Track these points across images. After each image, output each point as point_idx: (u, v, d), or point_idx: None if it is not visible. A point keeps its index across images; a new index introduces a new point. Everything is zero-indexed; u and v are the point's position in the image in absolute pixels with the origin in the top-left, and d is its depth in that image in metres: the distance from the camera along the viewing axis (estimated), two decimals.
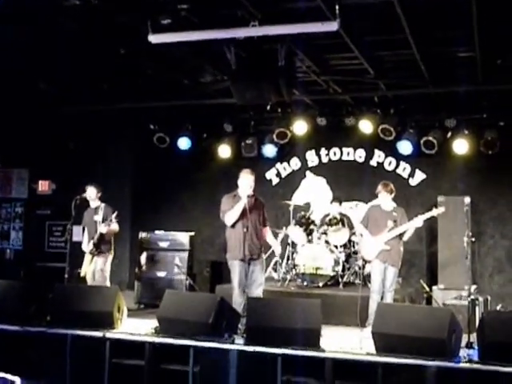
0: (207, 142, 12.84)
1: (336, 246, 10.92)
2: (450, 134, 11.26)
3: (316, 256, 10.71)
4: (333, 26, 7.01)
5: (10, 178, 13.58)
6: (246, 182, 8.23)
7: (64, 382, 7.13)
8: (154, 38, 7.52)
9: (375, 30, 8.27)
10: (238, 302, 8.05)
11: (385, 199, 8.83)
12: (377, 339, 6.59)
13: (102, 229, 9.41)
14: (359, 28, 8.01)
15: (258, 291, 8.16)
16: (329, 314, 8.40)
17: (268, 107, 11.48)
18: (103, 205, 9.69)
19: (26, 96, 11.06)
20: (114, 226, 9.54)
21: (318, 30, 7.15)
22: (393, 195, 8.85)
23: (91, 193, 9.68)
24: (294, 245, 11.31)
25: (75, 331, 7.29)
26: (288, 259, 11.28)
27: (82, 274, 9.56)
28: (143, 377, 6.97)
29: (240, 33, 7.46)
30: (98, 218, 9.53)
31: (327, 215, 11.42)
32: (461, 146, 11.11)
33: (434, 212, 8.76)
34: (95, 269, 9.54)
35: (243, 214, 8.12)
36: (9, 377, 3.40)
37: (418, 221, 8.62)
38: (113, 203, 9.83)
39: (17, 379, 3.41)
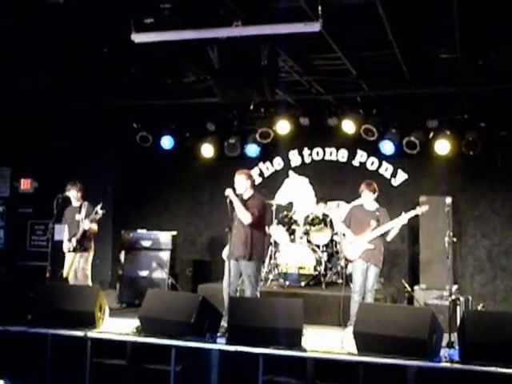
0: (190, 141, 12.81)
1: (318, 246, 10.96)
2: (431, 135, 11.31)
3: (298, 256, 10.74)
4: (315, 27, 7.02)
5: None
6: (235, 182, 8.31)
7: (44, 381, 7.11)
8: (137, 37, 7.50)
9: (358, 30, 8.29)
10: (225, 301, 8.03)
11: (367, 199, 8.86)
12: (358, 339, 6.63)
13: (86, 225, 9.38)
14: (342, 28, 8.02)
15: (247, 292, 8.14)
16: (311, 314, 8.45)
17: (251, 107, 11.45)
18: (86, 203, 9.67)
19: (8, 94, 10.98)
20: (94, 226, 9.54)
21: (301, 30, 7.14)
22: (376, 195, 8.89)
23: (73, 193, 9.67)
24: (276, 244, 11.32)
25: (56, 331, 7.28)
26: (270, 259, 11.27)
27: (64, 275, 9.53)
28: (125, 376, 6.97)
29: (223, 32, 7.44)
30: (81, 216, 9.50)
31: (310, 215, 11.46)
32: (442, 147, 11.16)
33: (419, 210, 8.79)
34: (77, 268, 9.52)
35: (232, 214, 8.14)
36: None
37: (403, 219, 8.66)
38: (95, 202, 9.78)
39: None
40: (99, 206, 9.37)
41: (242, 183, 8.28)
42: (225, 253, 8.52)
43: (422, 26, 8.04)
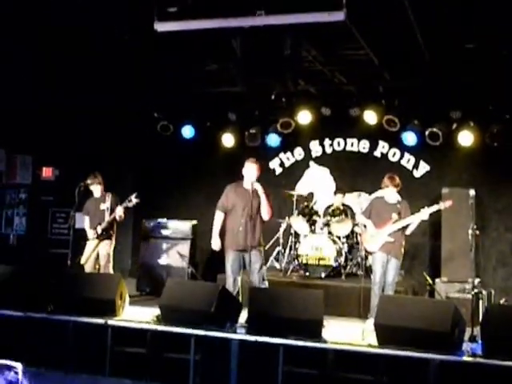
0: (211, 131, 12.80)
1: (339, 237, 10.92)
2: (455, 126, 11.20)
3: (319, 246, 10.71)
4: (339, 16, 6.95)
5: (14, 163, 13.54)
6: (249, 171, 8.28)
7: (65, 368, 7.14)
8: (160, 26, 7.48)
9: (381, 20, 8.20)
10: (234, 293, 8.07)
11: (390, 192, 8.75)
12: (379, 331, 6.57)
13: (119, 212, 9.49)
14: (365, 18, 7.94)
15: (256, 283, 8.14)
16: (331, 305, 8.39)
17: (272, 96, 11.42)
18: (109, 193, 9.77)
19: (30, 82, 11.01)
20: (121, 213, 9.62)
21: (325, 19, 7.08)
22: (398, 188, 8.78)
23: (95, 187, 9.83)
24: (296, 235, 11.30)
25: (77, 318, 7.30)
26: (290, 249, 11.26)
27: (82, 262, 9.58)
28: (145, 364, 6.98)
29: (246, 21, 7.40)
30: (106, 206, 9.58)
31: (330, 206, 11.43)
32: (466, 138, 11.06)
33: (442, 205, 8.63)
34: (101, 253, 9.65)
35: (247, 203, 8.15)
36: (11, 363, 3.41)
37: (424, 214, 8.54)
38: (116, 190, 9.86)
39: (19, 365, 3.42)
40: (134, 195, 9.48)
41: (255, 172, 8.30)
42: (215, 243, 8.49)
43: (447, 15, 7.94)
